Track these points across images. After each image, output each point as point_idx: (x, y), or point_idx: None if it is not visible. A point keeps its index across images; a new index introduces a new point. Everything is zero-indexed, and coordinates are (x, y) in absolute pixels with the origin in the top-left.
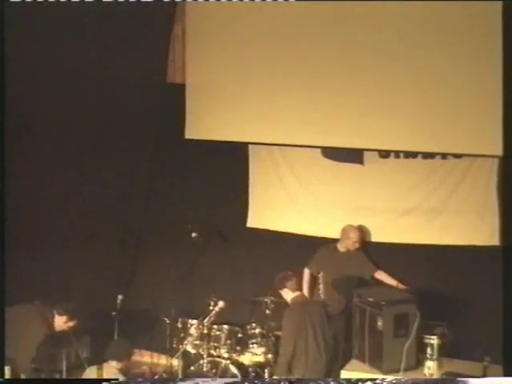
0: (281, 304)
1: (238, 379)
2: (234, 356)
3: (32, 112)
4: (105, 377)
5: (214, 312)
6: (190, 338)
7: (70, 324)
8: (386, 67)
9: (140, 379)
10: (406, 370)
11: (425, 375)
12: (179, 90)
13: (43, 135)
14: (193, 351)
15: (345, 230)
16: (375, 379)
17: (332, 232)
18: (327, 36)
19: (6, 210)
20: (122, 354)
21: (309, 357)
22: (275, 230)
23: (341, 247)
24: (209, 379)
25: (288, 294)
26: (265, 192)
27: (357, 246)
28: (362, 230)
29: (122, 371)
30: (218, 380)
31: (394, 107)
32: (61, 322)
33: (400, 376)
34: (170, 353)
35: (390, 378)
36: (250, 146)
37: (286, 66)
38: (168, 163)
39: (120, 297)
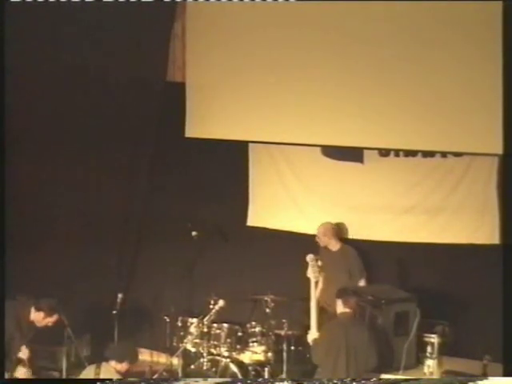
0: (281, 303)
1: (231, 380)
2: (234, 354)
3: (32, 111)
4: (105, 376)
5: (214, 310)
6: (190, 337)
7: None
8: (385, 66)
9: (135, 379)
10: (406, 368)
11: (425, 374)
12: (179, 89)
13: (44, 133)
14: (193, 350)
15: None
16: (370, 378)
17: None
18: (328, 35)
19: (6, 209)
20: (125, 355)
21: (338, 364)
22: (275, 228)
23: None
24: (200, 379)
25: (339, 307)
26: (265, 191)
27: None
28: (336, 228)
29: (125, 372)
30: (209, 380)
31: (394, 106)
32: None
33: (400, 375)
34: (170, 351)
35: (387, 377)
36: (249, 144)
37: (285, 66)
38: (168, 162)
39: (120, 295)
